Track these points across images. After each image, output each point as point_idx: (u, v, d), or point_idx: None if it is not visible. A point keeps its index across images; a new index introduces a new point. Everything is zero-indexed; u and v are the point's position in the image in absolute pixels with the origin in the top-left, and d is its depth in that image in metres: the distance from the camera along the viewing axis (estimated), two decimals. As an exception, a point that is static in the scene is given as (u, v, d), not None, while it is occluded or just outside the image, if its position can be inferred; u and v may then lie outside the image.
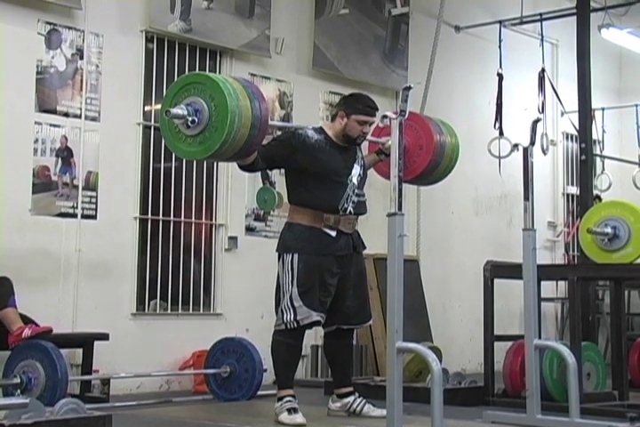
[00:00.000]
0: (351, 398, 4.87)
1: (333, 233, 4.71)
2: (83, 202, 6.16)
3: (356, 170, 4.82)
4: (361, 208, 4.81)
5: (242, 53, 7.15)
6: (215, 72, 6.87)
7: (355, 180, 4.79)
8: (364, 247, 4.94)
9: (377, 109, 4.85)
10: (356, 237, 4.86)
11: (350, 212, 4.74)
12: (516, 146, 5.11)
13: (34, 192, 5.93)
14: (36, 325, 5.29)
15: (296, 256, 4.66)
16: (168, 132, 4.24)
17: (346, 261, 4.77)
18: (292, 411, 4.58)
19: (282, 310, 4.66)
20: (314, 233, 4.69)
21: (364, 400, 4.88)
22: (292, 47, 7.54)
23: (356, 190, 4.78)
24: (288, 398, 4.64)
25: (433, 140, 4.99)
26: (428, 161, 4.99)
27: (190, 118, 4.08)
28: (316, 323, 4.69)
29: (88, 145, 6.22)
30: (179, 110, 4.09)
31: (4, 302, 5.26)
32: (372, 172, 5.14)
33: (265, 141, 4.49)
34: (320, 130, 4.85)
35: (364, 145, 5.13)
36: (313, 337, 6.72)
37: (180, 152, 4.29)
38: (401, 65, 8.28)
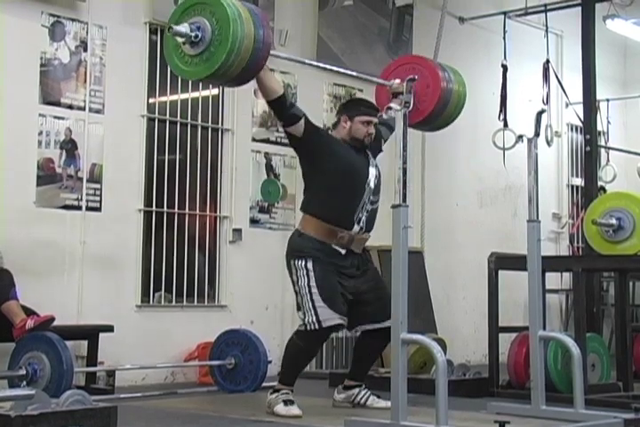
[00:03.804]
0: (356, 390, 4.89)
1: (343, 251, 4.72)
2: (87, 194, 6.16)
3: (372, 172, 4.83)
4: (371, 220, 4.78)
5: (246, 45, 7.13)
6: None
7: (372, 184, 4.78)
8: (372, 263, 4.97)
9: (377, 110, 4.92)
10: (365, 258, 4.87)
11: (362, 227, 4.72)
12: (520, 137, 5.09)
13: (38, 184, 5.94)
14: (38, 315, 5.28)
15: (310, 260, 4.63)
16: (173, 57, 4.30)
17: (353, 273, 4.78)
18: (288, 402, 4.58)
19: (304, 312, 4.63)
20: (324, 247, 4.68)
21: (368, 392, 4.89)
22: (296, 39, 7.52)
23: (371, 197, 4.77)
24: (285, 391, 4.66)
25: (439, 78, 4.98)
26: (437, 98, 4.96)
27: (193, 34, 4.15)
28: (339, 326, 4.67)
29: (92, 137, 6.22)
30: (181, 28, 4.17)
31: (6, 295, 5.26)
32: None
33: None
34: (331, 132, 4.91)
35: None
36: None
37: (186, 74, 4.35)
38: (405, 56, 8.27)
